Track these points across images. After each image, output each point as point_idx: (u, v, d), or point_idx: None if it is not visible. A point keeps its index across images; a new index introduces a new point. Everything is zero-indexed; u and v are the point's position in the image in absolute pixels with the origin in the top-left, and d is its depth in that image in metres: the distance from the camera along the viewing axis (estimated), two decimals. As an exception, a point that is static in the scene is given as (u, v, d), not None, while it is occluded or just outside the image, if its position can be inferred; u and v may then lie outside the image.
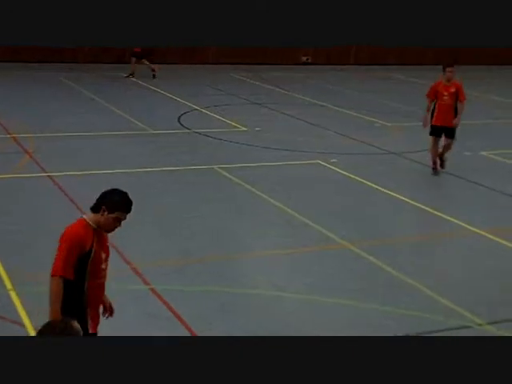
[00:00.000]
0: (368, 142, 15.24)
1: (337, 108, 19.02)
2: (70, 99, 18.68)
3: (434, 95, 12.83)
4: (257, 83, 23.05)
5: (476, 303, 8.01)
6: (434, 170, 12.97)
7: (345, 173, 12.76)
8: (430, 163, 13.02)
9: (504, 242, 9.78)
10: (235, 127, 16.27)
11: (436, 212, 10.90)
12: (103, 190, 5.41)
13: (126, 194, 5.35)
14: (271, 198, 11.13)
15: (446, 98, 12.64)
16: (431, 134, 12.93)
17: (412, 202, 11.30)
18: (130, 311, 7.45)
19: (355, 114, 18.30)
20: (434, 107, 12.87)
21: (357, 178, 12.51)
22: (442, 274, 8.72)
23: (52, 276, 5.06)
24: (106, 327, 7.01)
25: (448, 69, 12.71)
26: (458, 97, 12.71)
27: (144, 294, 7.85)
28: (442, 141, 13.02)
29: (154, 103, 18.87)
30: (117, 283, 7.98)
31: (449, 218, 10.65)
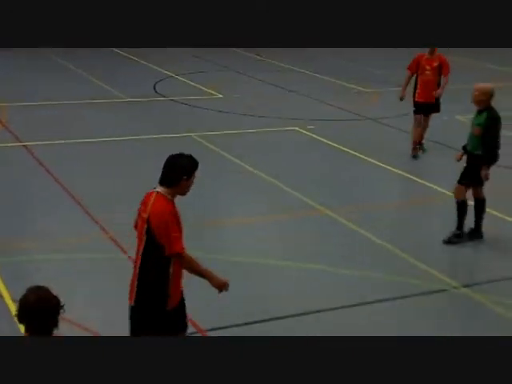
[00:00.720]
0: (346, 108, 15.21)
1: (315, 74, 18.94)
2: (45, 69, 18.41)
3: (415, 68, 11.75)
4: (234, 49, 22.86)
5: (452, 267, 8.10)
6: (414, 152, 11.93)
7: (322, 139, 12.75)
8: (411, 144, 11.93)
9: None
10: (212, 94, 16.15)
11: (415, 178, 10.95)
12: (166, 160, 5.16)
13: (185, 154, 5.32)
14: (249, 166, 11.10)
15: (428, 72, 11.69)
16: (415, 112, 11.95)
17: (390, 168, 11.32)
18: (110, 278, 7.42)
19: (333, 80, 18.24)
20: (416, 81, 11.82)
21: (334, 144, 12.50)
22: (420, 239, 8.78)
23: (179, 256, 5.06)
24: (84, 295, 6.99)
25: None
26: (441, 71, 11.73)
27: (123, 262, 7.82)
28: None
29: (130, 71, 18.66)
30: (93, 252, 7.96)
31: (428, 183, 10.70)
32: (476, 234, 8.64)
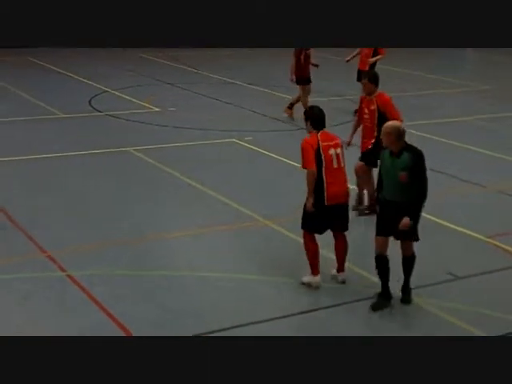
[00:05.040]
0: (281, 118, 15.33)
1: (248, 85, 19.04)
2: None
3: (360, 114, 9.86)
4: (167, 63, 22.80)
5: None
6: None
7: (260, 150, 12.81)
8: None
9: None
10: (148, 108, 16.06)
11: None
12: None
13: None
14: (188, 178, 11.07)
15: (366, 117, 9.66)
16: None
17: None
18: (47, 298, 7.29)
19: (266, 90, 18.36)
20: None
21: (272, 154, 12.57)
22: (358, 246, 8.87)
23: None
24: (21, 316, 6.85)
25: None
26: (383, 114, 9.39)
27: (60, 281, 7.70)
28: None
29: (63, 86, 18.41)
30: (31, 272, 7.80)
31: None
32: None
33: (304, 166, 7.54)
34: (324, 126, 7.65)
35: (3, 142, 12.92)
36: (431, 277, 8.03)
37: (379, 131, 8.46)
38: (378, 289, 7.37)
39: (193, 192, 10.56)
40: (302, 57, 14.89)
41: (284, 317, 7.09)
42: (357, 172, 9.86)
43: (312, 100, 14.67)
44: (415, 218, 7.09)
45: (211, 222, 9.47)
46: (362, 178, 9.90)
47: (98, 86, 18.32)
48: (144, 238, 8.93)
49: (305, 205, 7.66)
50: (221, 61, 23.73)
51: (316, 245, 7.71)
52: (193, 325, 6.80)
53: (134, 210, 9.81)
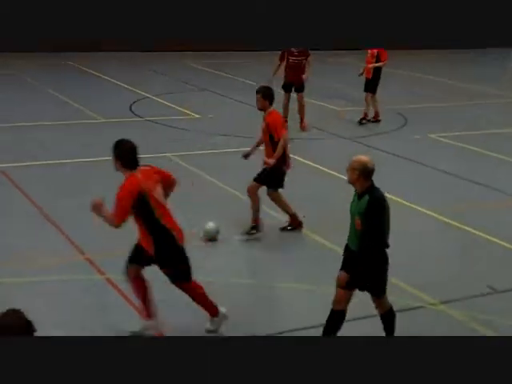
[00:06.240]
0: (315, 125, 15.36)
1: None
2: (13, 88, 18.31)
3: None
4: (209, 70, 22.93)
5: (424, 283, 8.09)
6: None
7: (297, 158, 12.79)
8: None
9: (449, 221, 9.97)
10: (188, 114, 16.19)
11: (387, 194, 11.00)
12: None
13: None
14: (225, 185, 11.12)
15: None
16: None
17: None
18: (86, 301, 7.38)
19: (306, 99, 18.33)
20: None
21: (308, 162, 12.57)
22: (392, 256, 8.80)
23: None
24: (60, 318, 6.94)
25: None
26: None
27: (99, 284, 7.78)
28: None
29: (104, 91, 18.64)
30: (70, 274, 7.91)
31: (400, 200, 10.78)
32: None
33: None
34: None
35: (46, 145, 13.12)
36: (469, 289, 7.94)
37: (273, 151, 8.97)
38: (421, 301, 7.28)
39: (231, 199, 10.60)
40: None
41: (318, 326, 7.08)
42: (247, 191, 9.32)
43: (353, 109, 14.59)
44: (369, 271, 6.14)
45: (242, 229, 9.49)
46: (251, 198, 9.27)
47: (139, 91, 18.51)
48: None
49: None
50: (262, 68, 23.78)
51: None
52: (227, 330, 6.82)
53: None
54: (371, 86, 15.56)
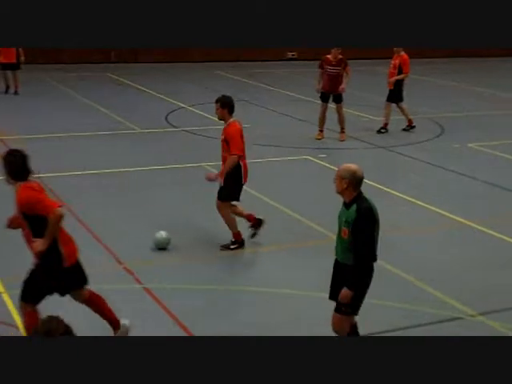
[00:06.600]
0: (354, 136, 15.28)
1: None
2: (55, 99, 18.60)
3: None
4: (243, 80, 23.04)
5: (463, 294, 8.01)
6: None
7: (333, 167, 12.76)
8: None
9: (489, 232, 9.85)
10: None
11: (423, 203, 10.93)
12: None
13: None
14: (260, 194, 11.13)
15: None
16: None
17: (400, 195, 11.33)
18: (124, 311, 7.43)
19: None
20: None
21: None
22: (434, 267, 8.74)
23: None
24: (97, 328, 7.00)
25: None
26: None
27: (137, 293, 7.84)
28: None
29: (140, 102, 18.82)
30: (108, 283, 7.98)
31: (437, 209, 10.70)
32: None
33: None
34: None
35: (85, 156, 13.28)
36: (509, 301, 7.83)
37: (236, 165, 8.84)
38: (459, 313, 7.20)
39: (265, 208, 10.60)
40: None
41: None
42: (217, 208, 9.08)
43: (396, 118, 14.54)
44: (355, 287, 5.90)
45: (284, 238, 9.50)
46: (221, 215, 9.04)
47: (174, 101, 18.65)
48: (220, 253, 9.01)
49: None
50: (296, 78, 23.83)
51: None
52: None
53: (206, 225, 9.91)
54: (395, 96, 15.57)
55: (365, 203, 5.87)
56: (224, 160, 8.99)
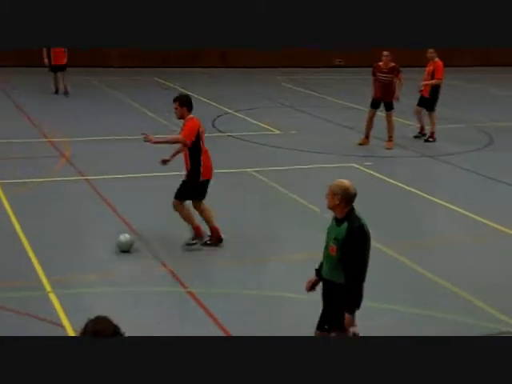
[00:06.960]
0: (401, 144, 15.16)
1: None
2: (103, 103, 18.87)
3: None
4: (289, 86, 23.06)
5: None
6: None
7: (380, 175, 12.70)
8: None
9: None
10: (269, 130, 16.29)
11: (470, 214, 10.79)
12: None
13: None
14: (306, 201, 11.11)
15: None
16: None
17: (447, 205, 11.20)
18: (168, 314, 7.49)
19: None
20: None
21: (391, 180, 12.44)
22: (479, 278, 8.62)
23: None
24: (142, 331, 7.06)
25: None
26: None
27: (181, 297, 7.90)
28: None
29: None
30: (153, 286, 8.06)
31: (484, 220, 10.54)
32: None
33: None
34: None
35: (131, 159, 13.43)
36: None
37: (193, 162, 9.02)
38: (504, 325, 7.09)
39: (310, 215, 10.58)
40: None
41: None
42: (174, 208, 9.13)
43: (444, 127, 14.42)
44: (354, 309, 5.70)
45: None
46: (181, 213, 9.08)
47: (221, 107, 18.75)
48: (261, 259, 9.03)
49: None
50: (343, 85, 23.77)
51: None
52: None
53: (251, 231, 9.94)
54: (429, 103, 15.42)
55: (356, 222, 5.73)
56: (186, 157, 9.09)
